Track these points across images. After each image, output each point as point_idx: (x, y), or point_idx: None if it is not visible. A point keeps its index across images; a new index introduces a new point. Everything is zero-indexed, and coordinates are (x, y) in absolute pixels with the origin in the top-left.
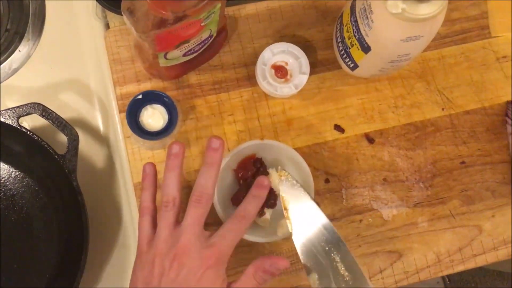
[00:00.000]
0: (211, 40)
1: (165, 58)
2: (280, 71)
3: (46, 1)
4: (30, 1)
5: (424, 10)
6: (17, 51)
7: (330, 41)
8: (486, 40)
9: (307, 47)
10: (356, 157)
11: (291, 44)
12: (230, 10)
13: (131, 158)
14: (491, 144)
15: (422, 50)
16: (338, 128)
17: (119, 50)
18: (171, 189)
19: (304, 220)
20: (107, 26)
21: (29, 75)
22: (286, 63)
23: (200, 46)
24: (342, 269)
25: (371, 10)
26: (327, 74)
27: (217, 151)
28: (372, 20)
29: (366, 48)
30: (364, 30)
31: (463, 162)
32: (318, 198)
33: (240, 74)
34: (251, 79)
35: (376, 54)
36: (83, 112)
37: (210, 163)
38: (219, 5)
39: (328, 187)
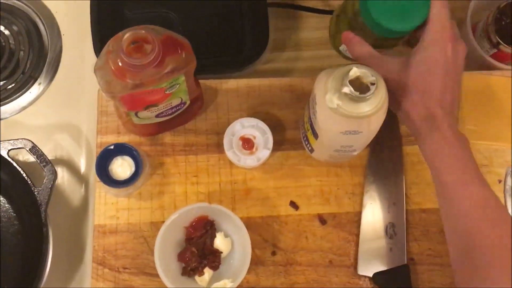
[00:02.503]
0: (184, 107)
1: (137, 117)
2: (247, 143)
3: (62, 53)
4: (49, 51)
5: (358, 109)
6: (28, 92)
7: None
8: None
9: (277, 125)
10: (305, 235)
11: (261, 121)
12: (213, 83)
13: (97, 201)
14: (442, 246)
15: (366, 145)
16: (293, 204)
17: (108, 104)
18: None
19: None
20: None
21: (34, 114)
22: (254, 137)
23: (172, 111)
24: None
25: (315, 101)
26: (292, 153)
27: None
28: (316, 110)
29: (315, 135)
30: (313, 118)
31: (412, 259)
32: (262, 268)
33: (211, 140)
34: (220, 147)
35: (322, 142)
36: (71, 152)
37: None
38: (182, 78)
39: (273, 260)
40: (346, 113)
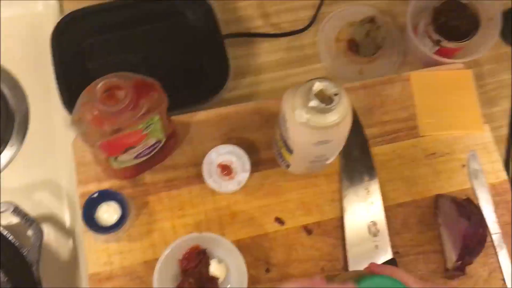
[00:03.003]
0: (161, 145)
1: (116, 161)
2: (226, 169)
3: (30, 113)
4: (15, 113)
5: (326, 119)
6: (1, 155)
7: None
8: (415, 139)
9: (251, 147)
10: (295, 248)
11: (235, 146)
12: (184, 117)
13: (87, 250)
14: (423, 235)
15: (338, 151)
16: (278, 220)
17: (84, 154)
18: None
19: None
20: None
21: (11, 176)
22: (231, 162)
23: (150, 150)
24: None
25: (285, 119)
26: (269, 172)
27: None
28: (287, 127)
29: (290, 150)
30: (286, 135)
31: (397, 252)
32: (259, 286)
33: (191, 172)
34: (200, 177)
35: (297, 155)
36: (53, 208)
37: None
38: (156, 117)
39: (268, 276)
40: (316, 124)
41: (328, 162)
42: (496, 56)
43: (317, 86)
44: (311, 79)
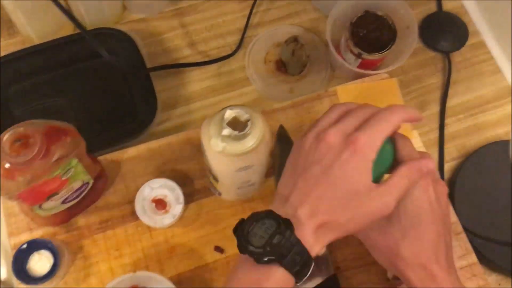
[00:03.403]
0: (89, 186)
1: (41, 209)
2: (160, 204)
3: None
4: None
5: (242, 146)
6: None
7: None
8: None
9: (185, 178)
10: None
11: (167, 179)
12: (114, 155)
13: None
14: (362, 247)
15: (263, 175)
16: (218, 249)
17: (12, 204)
18: None
19: None
20: None
21: None
22: (165, 196)
23: (78, 193)
24: None
25: (204, 148)
26: (204, 200)
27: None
28: (207, 156)
29: (216, 178)
30: (208, 164)
31: (338, 267)
32: None
33: (125, 211)
34: (135, 214)
35: (223, 183)
36: None
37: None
38: (74, 161)
39: None
40: (232, 152)
41: (256, 186)
42: (421, 62)
43: (229, 114)
44: (224, 108)
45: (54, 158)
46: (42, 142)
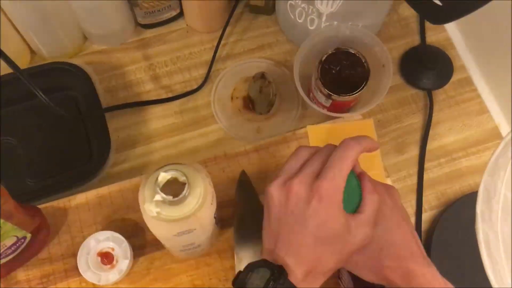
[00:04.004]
0: (27, 240)
1: None
2: (107, 258)
3: None
4: None
5: (180, 210)
6: None
7: None
8: None
9: (136, 229)
10: None
11: (114, 232)
12: (61, 202)
13: None
14: None
15: (209, 237)
16: None
17: None
18: None
19: None
20: None
21: None
22: (112, 249)
23: (12, 249)
24: None
25: (144, 208)
26: (156, 254)
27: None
28: (145, 218)
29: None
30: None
31: None
32: None
33: (69, 264)
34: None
35: (165, 245)
36: None
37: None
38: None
39: None
40: (168, 218)
41: (202, 247)
42: (401, 100)
43: (163, 177)
44: (158, 168)
45: None
46: None
